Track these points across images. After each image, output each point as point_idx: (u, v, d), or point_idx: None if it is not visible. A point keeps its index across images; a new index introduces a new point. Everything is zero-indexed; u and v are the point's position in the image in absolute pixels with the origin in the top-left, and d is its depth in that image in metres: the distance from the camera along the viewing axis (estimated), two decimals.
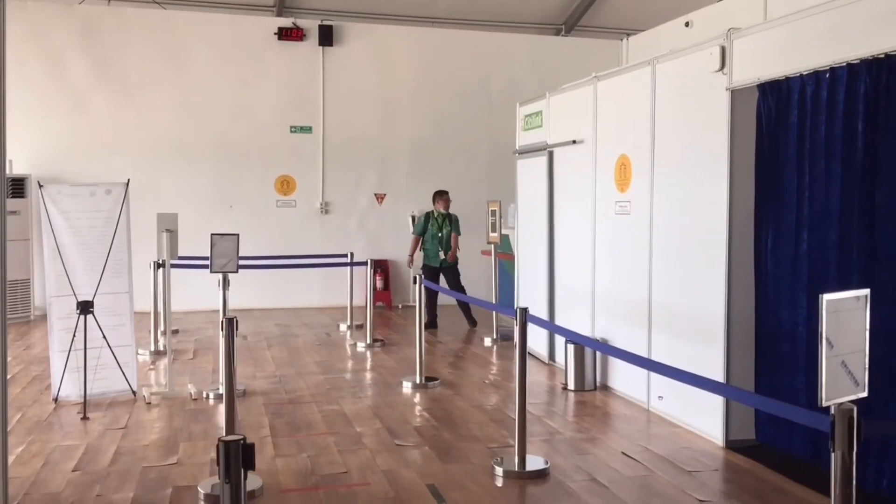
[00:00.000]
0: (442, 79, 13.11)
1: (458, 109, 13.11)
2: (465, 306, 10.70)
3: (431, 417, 6.33)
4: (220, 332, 4.73)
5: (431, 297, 10.28)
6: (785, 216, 5.13)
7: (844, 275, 4.61)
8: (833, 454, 2.62)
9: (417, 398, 7.00)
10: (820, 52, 4.76)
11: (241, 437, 2.65)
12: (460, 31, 13.16)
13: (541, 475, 4.94)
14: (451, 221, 10.70)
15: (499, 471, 4.98)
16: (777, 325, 5.21)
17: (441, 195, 10.81)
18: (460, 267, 10.76)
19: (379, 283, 12.42)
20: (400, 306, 12.80)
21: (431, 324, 10.43)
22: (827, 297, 2.57)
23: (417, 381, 7.35)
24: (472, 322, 10.70)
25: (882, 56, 4.33)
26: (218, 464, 2.64)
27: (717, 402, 5.49)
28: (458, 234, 10.72)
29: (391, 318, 11.85)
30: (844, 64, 4.57)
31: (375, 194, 13.01)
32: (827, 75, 4.72)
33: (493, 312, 9.90)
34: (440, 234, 10.58)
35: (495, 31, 13.26)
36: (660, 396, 6.26)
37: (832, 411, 2.61)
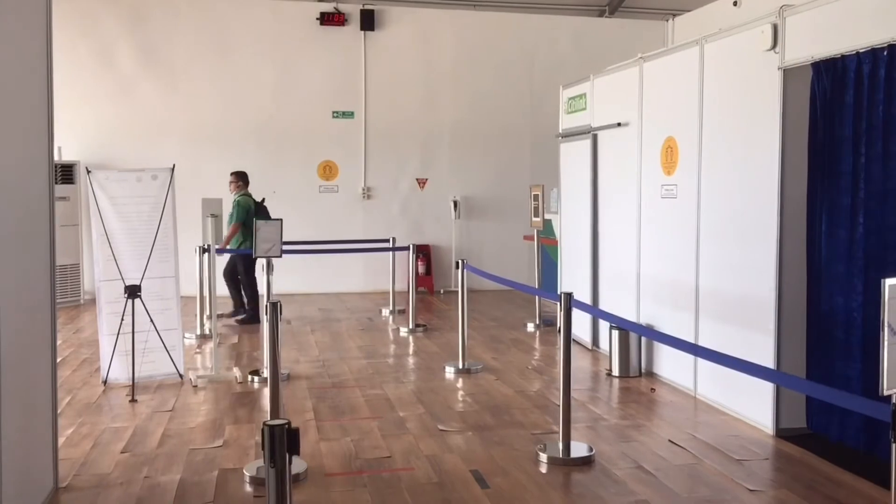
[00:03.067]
0: (484, 63, 13.01)
1: (500, 94, 13.00)
2: (237, 293, 9.97)
3: (474, 403, 6.30)
4: (265, 317, 4.75)
5: (249, 289, 9.78)
6: (840, 199, 4.97)
7: None
8: (893, 444, 2.53)
9: (460, 383, 6.98)
10: (877, 28, 4.59)
11: (286, 421, 2.64)
12: (502, 14, 13.03)
13: (585, 462, 4.88)
14: (235, 206, 9.72)
15: (543, 457, 4.94)
16: (831, 310, 5.07)
17: (232, 176, 9.97)
18: (503, 253, 10.63)
19: (421, 268, 12.41)
20: (442, 291, 12.78)
21: (252, 317, 9.67)
22: (890, 282, 2.47)
23: (460, 367, 7.33)
24: (238, 313, 9.91)
25: None
26: (263, 448, 2.64)
27: (766, 389, 5.38)
28: (238, 221, 9.58)
29: (433, 303, 11.84)
30: None
31: (417, 179, 12.98)
32: (885, 52, 4.55)
33: (536, 297, 9.83)
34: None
35: (538, 13, 13.10)
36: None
37: (894, 400, 2.52)
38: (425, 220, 12.95)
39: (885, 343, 2.48)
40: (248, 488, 4.55)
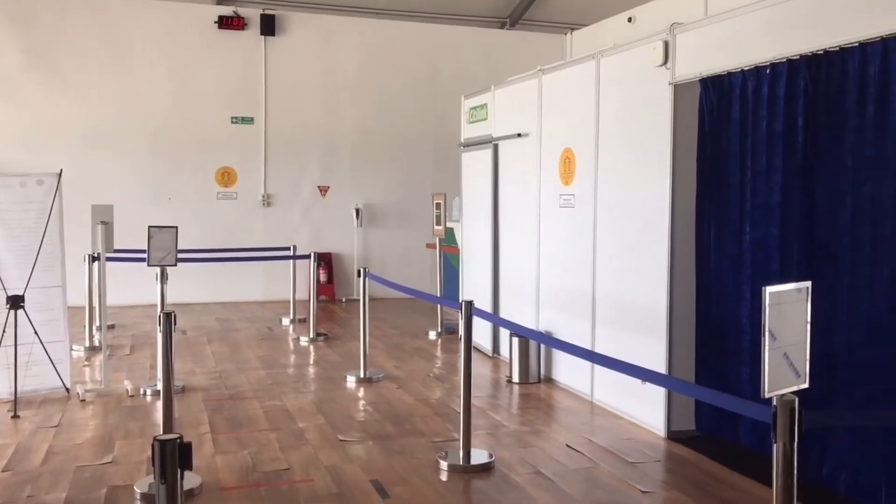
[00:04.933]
0: (387, 71, 13.01)
1: (403, 102, 13.02)
2: None
3: (375, 412, 6.26)
4: (158, 328, 4.59)
5: None
6: (727, 210, 5.19)
7: (786, 268, 4.68)
8: (775, 445, 2.65)
9: (361, 393, 6.92)
10: (761, 47, 4.82)
11: (178, 435, 2.55)
12: (406, 23, 13.07)
13: (485, 469, 4.92)
14: None
15: (443, 465, 4.95)
16: (720, 317, 5.28)
17: None
18: (406, 261, 10.66)
19: (322, 277, 12.29)
20: (344, 300, 12.68)
21: None
22: (770, 290, 2.58)
23: (362, 376, 7.27)
24: None
25: (821, 52, 4.40)
26: (153, 464, 2.55)
27: (659, 393, 5.55)
28: None
29: (335, 311, 11.73)
30: (784, 60, 4.64)
31: (319, 186, 12.85)
32: (768, 70, 4.79)
33: (438, 306, 9.87)
34: None
35: (441, 24, 13.20)
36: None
37: (774, 403, 2.64)
38: (327, 228, 12.82)
39: (767, 348, 2.60)
40: None
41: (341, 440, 5.51)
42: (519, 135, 7.82)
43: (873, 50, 4.06)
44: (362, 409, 6.42)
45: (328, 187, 12.87)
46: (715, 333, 5.34)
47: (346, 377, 7.33)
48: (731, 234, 5.16)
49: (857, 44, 4.16)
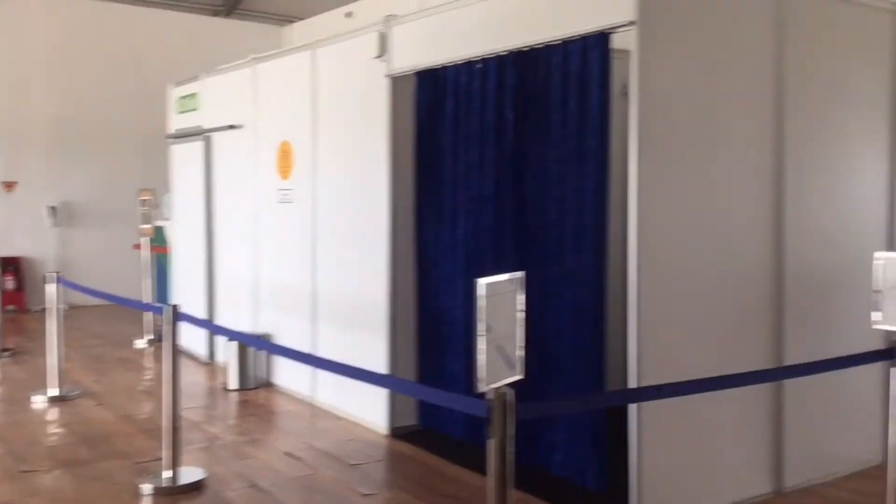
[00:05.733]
0: (85, 56, 11.78)
1: (104, 90, 11.86)
2: None
3: (69, 434, 5.52)
4: None
5: None
6: (443, 203, 5.20)
7: (499, 259, 4.76)
8: (489, 440, 2.57)
9: (52, 414, 6.09)
10: (473, 42, 4.86)
11: None
12: (105, 4, 11.93)
13: (195, 488, 4.47)
14: None
15: (147, 488, 4.42)
16: (438, 310, 5.28)
17: None
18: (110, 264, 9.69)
19: (10, 284, 10.82)
20: (32, 310, 11.23)
21: None
22: (482, 282, 2.49)
23: (53, 394, 6.41)
24: None
25: (527, 49, 4.51)
26: None
27: (380, 391, 5.43)
28: None
29: (25, 322, 10.36)
30: (495, 55, 4.71)
31: (4, 182, 11.32)
32: (479, 65, 4.84)
33: (146, 312, 9.05)
34: None
35: (145, 7, 12.23)
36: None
37: (489, 396, 2.56)
38: (14, 229, 11.32)
39: (481, 341, 2.51)
40: None
41: (23, 471, 4.75)
42: (233, 126, 7.37)
43: (574, 48, 4.21)
44: (52, 432, 5.63)
45: (15, 182, 11.37)
46: (434, 326, 5.34)
47: (31, 397, 6.41)
48: (447, 226, 5.17)
49: (560, 42, 4.30)
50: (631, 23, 3.82)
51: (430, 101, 5.26)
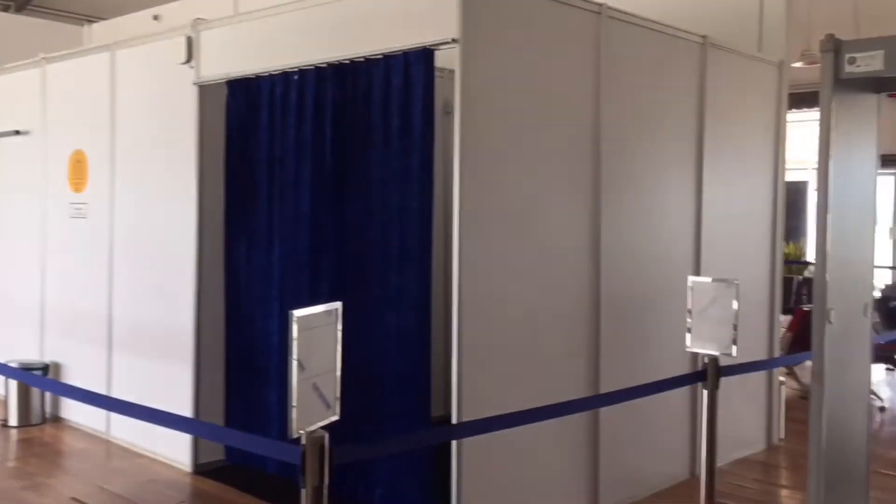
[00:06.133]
0: None
1: None
2: None
3: None
4: None
5: None
6: (257, 222, 4.87)
7: (315, 282, 4.51)
8: (303, 489, 2.32)
9: None
10: (289, 52, 4.59)
11: None
12: None
13: None
14: None
15: None
16: (251, 337, 4.93)
17: None
18: None
19: None
20: None
21: None
22: (297, 314, 2.24)
23: None
24: None
25: (347, 62, 4.30)
26: None
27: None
28: None
29: None
30: (313, 67, 4.46)
31: None
32: (296, 77, 4.57)
33: None
34: None
35: None
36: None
37: (303, 441, 2.30)
38: None
39: (295, 380, 2.25)
40: None
41: None
42: (18, 132, 6.63)
43: (396, 62, 4.05)
44: None
45: None
46: (246, 356, 4.97)
47: None
48: (261, 247, 4.84)
49: (381, 56, 4.12)
50: (454, 40, 3.71)
51: (242, 113, 4.92)
